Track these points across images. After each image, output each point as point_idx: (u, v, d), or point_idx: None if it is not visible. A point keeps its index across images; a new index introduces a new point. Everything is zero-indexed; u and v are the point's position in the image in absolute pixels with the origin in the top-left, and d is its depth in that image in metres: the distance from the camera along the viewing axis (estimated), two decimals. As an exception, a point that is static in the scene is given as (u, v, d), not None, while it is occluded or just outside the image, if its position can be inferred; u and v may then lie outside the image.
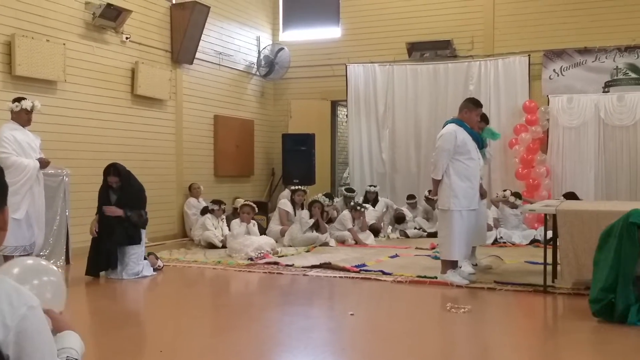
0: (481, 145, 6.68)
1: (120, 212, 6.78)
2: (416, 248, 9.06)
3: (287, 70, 12.74)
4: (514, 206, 9.97)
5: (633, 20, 10.68)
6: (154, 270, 7.09)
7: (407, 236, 10.48)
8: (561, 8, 11.11)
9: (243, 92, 12.50)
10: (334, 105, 13.25)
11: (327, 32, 12.83)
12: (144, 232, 7.04)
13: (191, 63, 10.77)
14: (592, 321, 4.89)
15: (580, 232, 5.69)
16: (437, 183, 6.48)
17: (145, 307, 6.10)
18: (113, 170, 6.97)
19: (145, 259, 7.04)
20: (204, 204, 10.27)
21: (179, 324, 5.07)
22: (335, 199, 11.06)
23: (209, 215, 9.55)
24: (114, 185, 6.93)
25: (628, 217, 4.76)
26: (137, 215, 6.87)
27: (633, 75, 10.72)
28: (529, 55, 11.17)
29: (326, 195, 10.18)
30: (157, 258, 7.34)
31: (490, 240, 9.21)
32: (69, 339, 1.84)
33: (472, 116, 6.57)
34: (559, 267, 6.12)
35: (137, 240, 6.84)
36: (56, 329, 1.82)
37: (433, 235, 9.66)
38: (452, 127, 6.47)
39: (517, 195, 10.05)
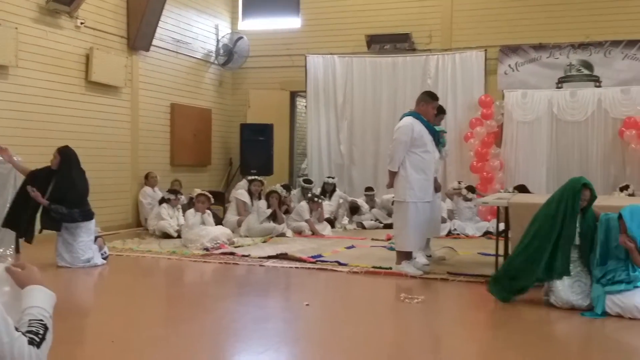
0: (437, 138, 6.76)
1: (45, 202, 6.58)
2: (372, 239, 9.13)
3: (246, 60, 12.64)
4: (466, 199, 10.13)
5: (586, 18, 10.93)
6: (104, 258, 6.96)
7: (363, 227, 10.56)
8: (517, 4, 11.31)
9: (201, 81, 12.37)
10: (293, 95, 13.22)
11: (287, 22, 12.78)
12: (92, 222, 6.90)
13: (148, 50, 10.60)
14: (541, 310, 5.03)
15: (531, 224, 5.81)
16: (393, 175, 6.53)
17: (96, 296, 6.00)
18: (60, 150, 6.78)
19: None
20: (159, 193, 10.14)
21: (131, 314, 5.01)
22: (293, 190, 11.06)
23: (164, 204, 9.44)
24: (53, 167, 6.73)
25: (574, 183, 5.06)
26: (58, 212, 6.59)
27: (586, 72, 10.98)
28: (486, 50, 11.33)
29: (283, 186, 10.17)
30: (103, 242, 7.21)
31: (444, 232, 9.34)
32: (32, 296, 1.75)
33: (429, 109, 6.63)
34: (510, 259, 6.24)
35: (56, 228, 6.65)
36: (20, 285, 1.74)
37: (389, 226, 9.75)
38: (409, 119, 6.53)
39: (470, 189, 10.21)
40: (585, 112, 10.72)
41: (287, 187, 10.33)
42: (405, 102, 10.93)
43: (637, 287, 4.72)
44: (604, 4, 10.85)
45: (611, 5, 10.81)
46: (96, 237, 7.07)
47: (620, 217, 4.84)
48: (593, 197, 5.16)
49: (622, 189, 9.90)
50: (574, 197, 5.04)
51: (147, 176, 10.55)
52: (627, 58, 10.70)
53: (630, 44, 10.65)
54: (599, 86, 10.83)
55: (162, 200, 9.63)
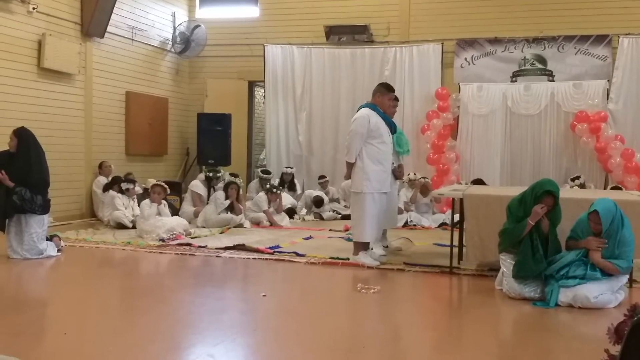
0: (394, 129, 6.81)
1: (10, 184, 6.44)
2: (330, 230, 9.17)
3: (203, 48, 12.50)
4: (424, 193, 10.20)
5: (541, 13, 11.15)
6: (58, 251, 6.85)
7: (322, 218, 10.59)
8: (474, -2, 11.47)
9: (157, 69, 12.18)
10: (252, 85, 13.14)
11: (245, 11, 12.67)
12: (47, 215, 6.75)
13: (102, 37, 10.38)
14: (494, 300, 5.15)
15: (485, 216, 5.93)
16: (350, 166, 6.57)
17: (49, 288, 5.87)
18: (16, 131, 6.62)
19: (49, 239, 6.78)
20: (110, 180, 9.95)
21: (85, 306, 4.93)
22: (252, 182, 11.02)
23: (119, 194, 9.29)
24: (11, 149, 6.57)
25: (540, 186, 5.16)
26: (21, 196, 6.45)
27: (539, 66, 11.20)
28: (442, 43, 11.46)
29: (231, 174, 10.15)
30: (60, 239, 7.08)
31: (401, 223, 9.44)
32: None
33: (385, 100, 6.69)
34: (464, 249, 6.35)
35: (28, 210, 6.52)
36: None
37: (347, 217, 9.79)
38: (365, 111, 6.57)
39: (425, 188, 10.20)
40: (538, 105, 10.95)
41: (235, 176, 10.27)
42: (364, 93, 10.97)
43: (599, 278, 4.85)
44: (558, 0, 11.08)
45: (565, 1, 11.05)
46: (52, 236, 6.94)
47: (593, 212, 4.88)
48: (556, 204, 5.15)
49: (572, 180, 10.18)
50: (535, 199, 5.13)
51: (101, 165, 10.36)
52: (580, 53, 10.96)
53: (583, 39, 10.91)
54: (552, 80, 11.08)
55: (106, 187, 9.47)
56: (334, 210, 10.86)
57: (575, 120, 10.65)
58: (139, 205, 8.85)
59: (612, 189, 9.98)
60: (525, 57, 11.24)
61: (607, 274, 4.87)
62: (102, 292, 5.45)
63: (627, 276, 5.11)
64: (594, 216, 4.88)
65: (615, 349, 1.82)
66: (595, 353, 3.06)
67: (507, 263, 5.22)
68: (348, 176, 6.69)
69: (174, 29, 12.43)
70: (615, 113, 10.64)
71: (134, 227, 8.67)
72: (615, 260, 4.86)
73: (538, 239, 5.08)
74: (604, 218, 4.82)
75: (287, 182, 11.21)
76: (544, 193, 5.11)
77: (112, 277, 6.26)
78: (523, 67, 11.26)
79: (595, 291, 4.79)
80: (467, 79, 11.40)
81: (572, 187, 9.92)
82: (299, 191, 11.46)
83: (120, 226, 8.93)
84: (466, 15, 11.45)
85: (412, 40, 11.73)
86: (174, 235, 7.91)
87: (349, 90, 11.86)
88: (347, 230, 8.60)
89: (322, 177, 11.41)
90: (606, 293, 4.83)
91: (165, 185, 8.66)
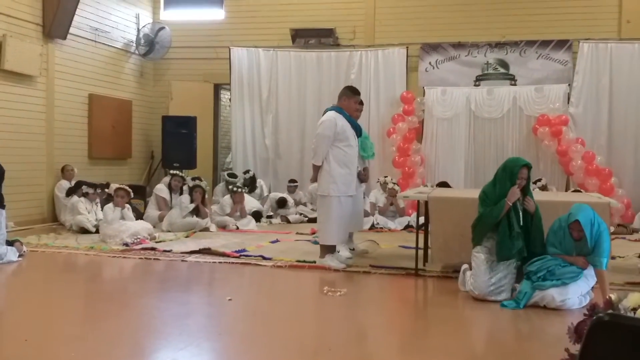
0: (359, 133, 6.84)
1: None
2: (297, 233, 9.16)
3: (168, 50, 12.38)
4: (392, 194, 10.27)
5: (504, 18, 11.34)
6: (19, 256, 6.70)
7: (288, 221, 10.58)
8: (438, 3, 11.59)
9: (121, 71, 12.02)
10: (217, 88, 13.06)
11: (211, 14, 12.58)
12: (3, 214, 6.59)
13: (64, 38, 10.21)
14: (458, 301, 5.20)
15: (450, 218, 5.99)
16: (317, 169, 6.59)
17: (10, 294, 5.74)
18: None
19: (10, 244, 6.64)
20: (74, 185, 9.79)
21: (47, 312, 4.83)
22: (218, 185, 10.94)
23: (82, 198, 9.14)
24: None
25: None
26: None
27: (502, 70, 11.38)
28: (407, 47, 11.56)
29: (194, 178, 10.08)
30: (22, 244, 6.93)
31: (368, 226, 9.49)
32: None
33: (351, 104, 6.72)
34: (430, 252, 6.41)
35: None
36: None
37: (314, 220, 9.81)
38: (332, 114, 6.60)
39: (392, 193, 10.27)
40: (501, 109, 11.12)
41: (198, 179, 10.19)
42: (330, 96, 11.02)
43: (565, 282, 4.92)
44: (520, 5, 11.28)
45: (527, 7, 11.25)
46: (13, 241, 6.79)
47: (574, 221, 4.92)
48: (529, 178, 5.33)
49: (534, 182, 10.34)
50: (512, 176, 5.21)
51: (63, 169, 10.18)
52: (541, 57, 11.17)
53: (544, 44, 11.12)
54: (514, 84, 11.26)
55: (69, 192, 9.32)
56: (300, 214, 10.86)
57: (537, 123, 10.84)
58: (102, 210, 8.72)
59: (572, 192, 10.18)
60: (488, 61, 11.41)
61: (578, 278, 4.94)
62: (65, 297, 5.36)
63: (595, 280, 5.16)
64: (575, 225, 4.92)
65: (576, 348, 1.86)
66: (557, 352, 3.13)
67: (479, 259, 5.19)
68: (314, 179, 6.71)
69: (138, 30, 12.29)
70: (575, 117, 10.86)
71: (97, 232, 8.53)
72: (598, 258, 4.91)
73: (514, 218, 5.16)
74: (586, 226, 4.86)
75: (248, 185, 11.14)
76: (520, 168, 5.22)
77: (75, 283, 6.15)
78: (486, 72, 11.43)
79: (562, 294, 4.87)
80: (431, 83, 11.52)
81: (534, 189, 10.08)
82: (265, 193, 11.42)
83: (83, 231, 8.79)
84: (430, 19, 11.58)
85: (378, 44, 11.82)
86: (138, 240, 7.81)
87: (315, 94, 11.88)
88: (313, 233, 8.60)
89: (292, 180, 11.40)
90: (573, 297, 4.90)
91: (129, 189, 8.55)
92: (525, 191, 5.29)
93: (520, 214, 5.22)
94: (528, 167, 5.31)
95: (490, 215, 5.18)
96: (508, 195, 5.15)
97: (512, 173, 5.22)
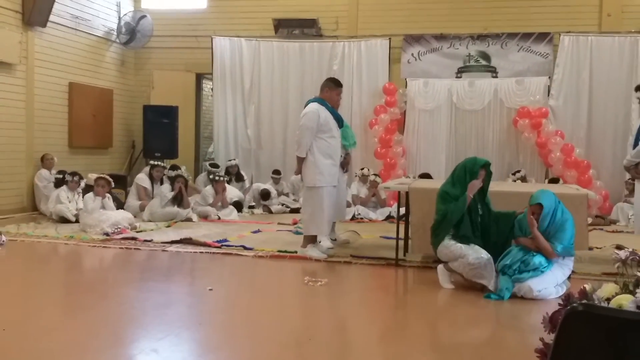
0: (341, 124, 6.85)
1: None
2: (279, 223, 9.17)
3: (149, 39, 12.28)
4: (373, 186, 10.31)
5: (485, 10, 11.38)
6: (-1, 245, 6.66)
7: (270, 212, 10.58)
8: (421, -6, 11.61)
9: (101, 60, 11.91)
10: (199, 78, 12.99)
11: (193, 2, 12.49)
12: None
13: (44, 26, 10.08)
14: (437, 291, 5.24)
15: (430, 209, 6.00)
16: (301, 161, 6.59)
17: (-12, 285, 5.70)
18: None
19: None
20: (55, 176, 9.71)
21: (25, 301, 4.80)
22: (200, 175, 10.91)
23: (63, 187, 9.06)
24: None
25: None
26: None
27: (483, 63, 11.44)
28: (390, 38, 11.57)
29: (171, 167, 10.04)
30: (0, 234, 6.87)
31: (349, 216, 9.53)
32: None
33: (333, 95, 6.73)
34: (410, 242, 6.45)
35: None
36: None
37: (296, 211, 9.87)
38: (314, 106, 6.60)
39: (373, 185, 10.30)
40: (482, 101, 11.19)
41: (176, 167, 10.15)
42: (313, 87, 11.00)
43: (542, 271, 4.98)
44: (501, -2, 11.34)
45: (508, -1, 11.31)
46: None
47: (535, 204, 5.00)
48: (489, 175, 5.38)
49: (514, 174, 10.48)
50: (472, 175, 5.27)
51: (43, 158, 10.08)
52: (522, 50, 11.24)
53: (525, 36, 11.19)
54: (496, 77, 11.33)
55: (58, 183, 9.24)
56: (283, 204, 10.86)
57: (517, 116, 10.93)
58: (82, 199, 8.65)
59: (550, 181, 10.31)
60: (469, 53, 11.46)
61: (551, 266, 5.01)
62: (44, 287, 5.32)
63: (571, 270, 5.24)
64: (536, 208, 5.00)
65: (550, 338, 1.89)
66: (532, 341, 3.17)
67: (454, 245, 5.18)
68: (298, 171, 6.71)
69: (119, 19, 12.17)
70: (555, 109, 10.96)
71: (77, 221, 8.48)
72: (553, 243, 5.00)
73: (476, 217, 5.26)
74: (547, 206, 4.94)
75: (234, 174, 11.15)
76: (480, 167, 5.30)
77: (54, 272, 6.12)
78: (468, 64, 11.48)
79: (539, 285, 4.94)
80: (413, 75, 11.55)
81: (515, 180, 10.19)
82: (247, 182, 11.41)
83: (63, 220, 8.72)
84: (413, 11, 11.59)
85: (360, 35, 11.81)
86: (119, 229, 7.77)
87: (298, 84, 11.85)
88: (295, 223, 8.62)
89: (276, 172, 11.38)
90: (549, 287, 4.98)
91: (110, 179, 8.50)
92: (484, 191, 5.37)
93: (479, 209, 5.31)
94: (487, 167, 5.37)
95: (456, 208, 5.21)
96: (468, 188, 5.24)
97: (472, 173, 5.29)
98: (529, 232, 5.09)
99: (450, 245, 5.23)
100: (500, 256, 5.15)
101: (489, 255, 5.09)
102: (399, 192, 6.74)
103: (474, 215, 5.28)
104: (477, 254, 5.09)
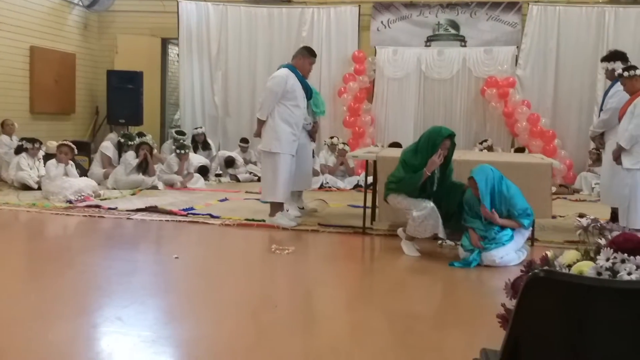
0: (309, 95, 6.78)
1: None
2: (246, 192, 9.12)
3: (113, 2, 11.94)
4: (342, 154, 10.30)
5: (455, -21, 11.32)
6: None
7: (238, 180, 10.52)
8: (390, -39, 11.48)
9: (64, 23, 11.57)
10: (165, 43, 12.73)
11: (158, -35, 12.17)
12: None
13: (2, -14, 9.74)
14: (404, 258, 5.29)
15: (397, 177, 6.04)
16: (261, 124, 6.52)
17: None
18: None
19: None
20: (17, 142, 9.48)
21: (-15, 270, 4.70)
22: (166, 142, 10.77)
23: (23, 154, 8.85)
24: None
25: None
26: None
27: (452, 32, 11.42)
28: (359, 5, 11.45)
29: (124, 135, 9.91)
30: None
31: (317, 185, 9.53)
32: None
33: (305, 64, 6.65)
34: (377, 210, 6.48)
35: None
36: None
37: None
38: (284, 71, 6.52)
39: (342, 153, 10.30)
40: (451, 70, 11.19)
41: (142, 135, 9.99)
42: (281, 54, 10.89)
43: (504, 244, 5.08)
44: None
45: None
46: None
47: (470, 178, 5.09)
48: (453, 146, 5.37)
49: (481, 143, 10.56)
50: (433, 147, 5.26)
51: (3, 124, 9.81)
52: (491, 19, 11.24)
53: (494, 5, 11.18)
54: (464, 46, 11.32)
55: (18, 150, 9.02)
56: (250, 172, 10.80)
57: (485, 85, 10.97)
58: (44, 166, 8.47)
59: (516, 150, 10.43)
60: (439, 22, 11.42)
61: (513, 233, 5.12)
62: (6, 255, 5.22)
63: (529, 234, 5.37)
64: (471, 182, 5.09)
65: (512, 303, 1.91)
66: (494, 307, 3.21)
67: (402, 197, 5.28)
68: (258, 134, 6.63)
69: (82, -20, 11.81)
70: (522, 79, 11.03)
71: (39, 189, 8.31)
72: (519, 219, 5.11)
73: (428, 183, 5.28)
74: (480, 182, 5.02)
75: (201, 143, 11.03)
76: (445, 138, 5.25)
77: (16, 240, 6.01)
78: (437, 32, 11.44)
79: (500, 252, 5.05)
80: (383, 43, 11.48)
81: (481, 150, 10.28)
82: (214, 151, 11.30)
83: (25, 187, 8.54)
84: (383, -22, 11.47)
85: (330, 1, 11.66)
86: (82, 197, 7.64)
87: (266, 51, 11.69)
88: (262, 192, 8.57)
89: (244, 140, 11.25)
90: (510, 253, 5.09)
91: (73, 145, 8.32)
92: (447, 161, 5.36)
93: (436, 181, 5.32)
94: (451, 137, 5.32)
95: (411, 181, 5.22)
96: (427, 165, 5.19)
97: (435, 144, 5.24)
98: (477, 210, 5.16)
99: (398, 196, 5.32)
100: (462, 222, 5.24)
101: (432, 204, 5.18)
102: (367, 160, 6.75)
103: (429, 187, 5.31)
104: (419, 207, 5.19)
